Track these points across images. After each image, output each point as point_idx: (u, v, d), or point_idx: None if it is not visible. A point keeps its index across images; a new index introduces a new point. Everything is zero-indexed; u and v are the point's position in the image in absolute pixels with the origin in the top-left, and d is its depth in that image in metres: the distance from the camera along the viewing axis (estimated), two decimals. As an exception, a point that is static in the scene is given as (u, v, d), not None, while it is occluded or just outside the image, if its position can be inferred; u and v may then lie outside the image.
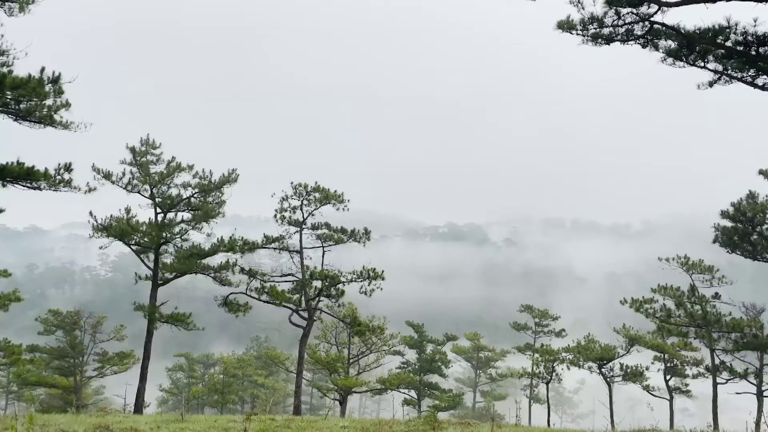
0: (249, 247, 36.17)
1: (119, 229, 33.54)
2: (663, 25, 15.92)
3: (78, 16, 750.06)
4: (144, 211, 35.28)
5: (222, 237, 35.71)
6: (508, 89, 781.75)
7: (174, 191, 35.59)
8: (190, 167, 35.68)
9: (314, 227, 37.75)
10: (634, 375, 44.97)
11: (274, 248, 38.18)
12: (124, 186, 34.50)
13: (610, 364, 45.51)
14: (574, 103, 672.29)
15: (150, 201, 35.27)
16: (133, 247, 35.42)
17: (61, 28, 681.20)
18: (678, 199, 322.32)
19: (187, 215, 35.72)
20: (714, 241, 36.36)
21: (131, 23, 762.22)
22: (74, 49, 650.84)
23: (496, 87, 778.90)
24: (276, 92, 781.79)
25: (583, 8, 15.75)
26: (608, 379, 45.66)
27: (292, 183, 37.41)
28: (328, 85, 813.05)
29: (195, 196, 35.69)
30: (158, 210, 35.47)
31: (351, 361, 49.28)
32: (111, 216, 34.09)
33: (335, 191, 37.14)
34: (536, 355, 53.35)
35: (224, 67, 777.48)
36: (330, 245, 37.96)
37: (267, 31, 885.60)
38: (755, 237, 34.69)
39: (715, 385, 40.01)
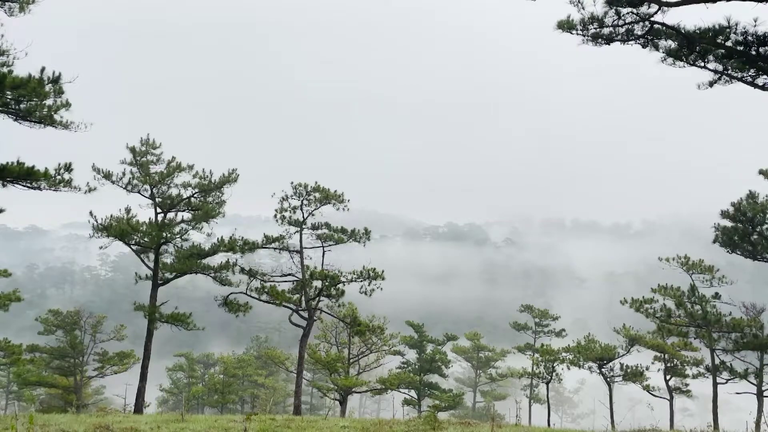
0: (249, 247, 36.18)
1: (119, 229, 33.52)
2: (663, 25, 15.92)
3: (78, 15, 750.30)
4: (144, 211, 35.32)
5: (222, 237, 35.71)
6: (509, 89, 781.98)
7: (174, 191, 35.62)
8: (190, 167, 35.69)
9: (314, 227, 37.78)
10: (634, 375, 44.98)
11: (274, 248, 38.19)
12: (124, 186, 34.51)
13: (610, 364, 45.53)
14: (574, 103, 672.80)
15: (150, 201, 35.27)
16: (133, 247, 35.41)
17: (61, 27, 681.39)
18: (678, 198, 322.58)
19: (187, 215, 35.74)
20: (714, 241, 36.35)
21: (130, 22, 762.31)
22: (74, 49, 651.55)
23: (497, 87, 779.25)
24: (276, 92, 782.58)
25: (583, 8, 15.75)
26: (608, 379, 45.66)
27: (292, 183, 37.44)
28: (329, 86, 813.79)
29: (195, 196, 35.70)
30: (158, 210, 35.47)
31: (351, 361, 49.27)
32: (111, 216, 34.09)
33: (335, 191, 37.16)
34: (536, 355, 53.33)
35: (224, 67, 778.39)
36: (330, 245, 37.98)
37: (266, 30, 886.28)
38: (755, 237, 34.68)
39: (715, 385, 40.01)
